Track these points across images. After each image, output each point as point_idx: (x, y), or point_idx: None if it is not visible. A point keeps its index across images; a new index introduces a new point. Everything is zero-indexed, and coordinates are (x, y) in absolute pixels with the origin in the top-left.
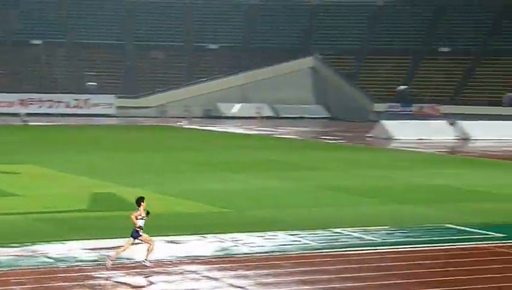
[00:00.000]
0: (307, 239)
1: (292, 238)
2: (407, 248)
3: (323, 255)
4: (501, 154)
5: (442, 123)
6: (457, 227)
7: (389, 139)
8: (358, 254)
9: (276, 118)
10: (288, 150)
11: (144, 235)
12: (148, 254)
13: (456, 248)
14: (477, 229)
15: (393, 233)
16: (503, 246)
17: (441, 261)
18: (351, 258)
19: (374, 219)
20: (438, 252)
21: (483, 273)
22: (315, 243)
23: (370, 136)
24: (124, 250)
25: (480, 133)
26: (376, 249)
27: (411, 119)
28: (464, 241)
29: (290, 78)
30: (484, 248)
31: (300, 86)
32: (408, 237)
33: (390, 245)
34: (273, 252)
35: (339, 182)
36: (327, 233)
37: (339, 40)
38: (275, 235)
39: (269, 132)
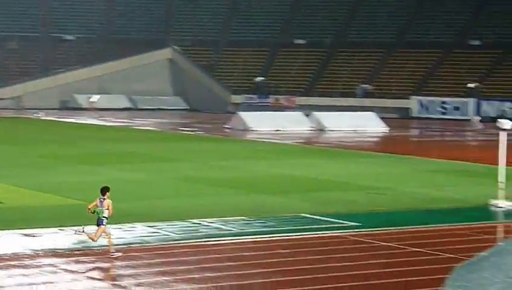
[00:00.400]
0: (165, 230)
1: (151, 229)
2: (265, 237)
3: (183, 246)
4: (355, 144)
5: (298, 114)
6: (313, 216)
7: (247, 130)
8: (217, 244)
9: (134, 110)
10: (146, 142)
11: (103, 227)
12: (110, 246)
13: (312, 237)
14: (332, 218)
15: (251, 223)
16: (358, 234)
17: (297, 250)
18: (210, 249)
19: (232, 209)
20: (295, 241)
21: (338, 262)
22: (174, 234)
23: (228, 128)
24: (96, 239)
25: (334, 124)
26: (234, 239)
27: (268, 111)
28: (319, 231)
29: (148, 70)
30: (339, 237)
31: (159, 78)
32: (265, 226)
33: (248, 235)
34: (131, 243)
35: (197, 173)
36: (186, 224)
37: (197, 31)
38: (134, 227)
39: (127, 124)
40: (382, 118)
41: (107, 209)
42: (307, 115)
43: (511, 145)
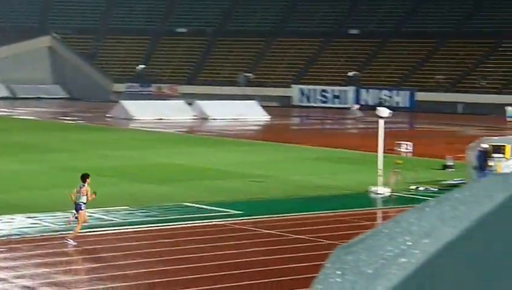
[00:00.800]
0: (46, 221)
1: (31, 221)
2: (148, 227)
3: (63, 237)
4: (237, 133)
5: (181, 103)
6: (196, 205)
7: (129, 119)
8: (99, 234)
9: (13, 99)
10: (26, 132)
11: (83, 212)
12: (75, 234)
13: (196, 225)
14: (215, 207)
15: (134, 213)
16: (241, 222)
17: (180, 239)
18: (92, 239)
19: (115, 199)
20: (178, 231)
21: (222, 250)
22: (55, 225)
23: (110, 117)
24: (82, 223)
25: (217, 112)
26: (117, 229)
27: (150, 100)
28: (202, 219)
29: (26, 58)
30: (223, 225)
31: (38, 66)
32: (148, 216)
33: (131, 225)
34: (11, 235)
35: (78, 163)
36: (67, 215)
37: (77, 19)
38: (13, 219)
39: (6, 113)
40: (264, 107)
41: (85, 195)
42: (190, 104)
43: (389, 133)
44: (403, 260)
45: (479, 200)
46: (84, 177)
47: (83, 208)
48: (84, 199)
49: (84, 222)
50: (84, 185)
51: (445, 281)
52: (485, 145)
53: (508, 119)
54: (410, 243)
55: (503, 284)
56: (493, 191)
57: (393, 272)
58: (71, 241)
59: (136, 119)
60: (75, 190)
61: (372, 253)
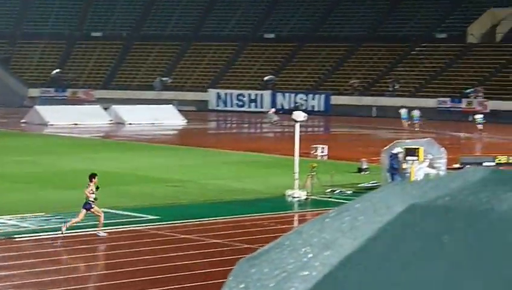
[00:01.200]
0: None
1: None
2: (65, 233)
3: None
4: (153, 137)
5: (96, 108)
6: (112, 211)
7: (44, 124)
8: (16, 241)
9: None
10: None
11: (95, 208)
12: (100, 226)
13: (112, 231)
14: (132, 212)
15: (50, 219)
16: (158, 228)
17: (97, 245)
18: (7, 246)
19: (30, 206)
20: (94, 237)
21: (139, 256)
22: None
23: (24, 122)
24: (79, 220)
25: (133, 117)
26: (33, 236)
27: (66, 105)
28: (119, 225)
29: None
30: (139, 231)
31: None
32: (65, 222)
33: (47, 231)
34: None
35: None
36: None
37: None
38: None
39: None
40: (181, 111)
41: (93, 193)
42: (106, 109)
43: (305, 137)
44: (305, 273)
45: (378, 211)
46: (91, 177)
47: (93, 206)
48: (93, 197)
49: (80, 219)
50: (90, 185)
51: None
52: (399, 149)
53: (403, 121)
54: (311, 255)
55: None
56: (392, 202)
57: (295, 286)
58: (102, 233)
59: (51, 125)
60: (89, 190)
61: (275, 266)
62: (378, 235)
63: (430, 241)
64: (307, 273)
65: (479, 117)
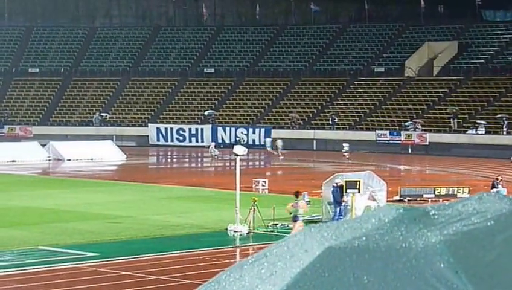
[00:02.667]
0: None
1: None
2: (1, 272)
3: None
4: (92, 173)
5: (34, 144)
6: (52, 248)
7: None
8: None
9: None
10: None
11: (299, 222)
12: None
13: (51, 269)
14: (71, 249)
15: None
16: (98, 265)
17: (36, 283)
18: None
19: None
20: (33, 275)
21: None
22: None
23: None
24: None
25: (72, 153)
26: None
27: (2, 141)
28: (58, 263)
29: None
30: (78, 268)
31: None
32: (1, 261)
33: None
34: None
35: None
36: None
37: None
38: None
39: None
40: (121, 146)
41: (302, 208)
42: (44, 145)
43: (246, 171)
44: None
45: (296, 256)
46: (297, 194)
47: (300, 219)
48: (301, 211)
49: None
50: (298, 200)
51: None
52: (340, 181)
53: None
54: None
55: None
56: (308, 246)
57: None
58: None
59: None
60: (291, 205)
61: None
62: (297, 280)
63: (350, 283)
64: None
65: (345, 145)
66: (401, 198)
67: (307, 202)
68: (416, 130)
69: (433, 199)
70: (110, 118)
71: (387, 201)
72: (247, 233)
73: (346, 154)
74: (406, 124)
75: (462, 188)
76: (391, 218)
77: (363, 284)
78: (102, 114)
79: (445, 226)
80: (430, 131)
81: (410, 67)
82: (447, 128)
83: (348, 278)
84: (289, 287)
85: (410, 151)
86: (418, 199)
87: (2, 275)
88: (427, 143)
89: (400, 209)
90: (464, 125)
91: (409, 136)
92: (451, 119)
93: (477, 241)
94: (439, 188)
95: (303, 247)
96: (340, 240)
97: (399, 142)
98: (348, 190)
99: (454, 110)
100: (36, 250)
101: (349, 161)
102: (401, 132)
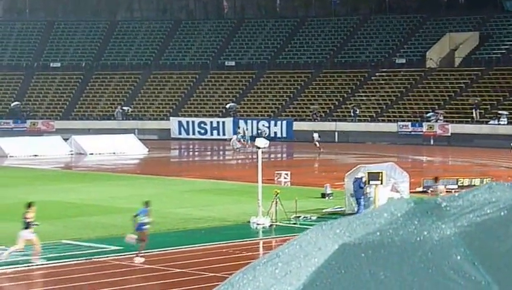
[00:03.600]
0: None
1: None
2: (25, 267)
3: None
4: (114, 167)
5: (57, 139)
6: (75, 242)
7: (3, 156)
8: None
9: None
10: None
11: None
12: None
13: (75, 263)
14: (94, 243)
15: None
16: (120, 258)
17: (59, 277)
18: None
19: None
20: (57, 269)
21: (102, 287)
22: None
23: None
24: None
25: (94, 147)
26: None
27: (25, 136)
28: (81, 256)
29: None
30: (102, 262)
31: None
32: (25, 255)
33: (7, 265)
34: None
35: None
36: None
37: None
38: None
39: None
40: (143, 140)
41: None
42: (66, 139)
43: (267, 163)
44: None
45: (310, 254)
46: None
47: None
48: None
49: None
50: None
51: None
52: (362, 173)
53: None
54: None
55: None
56: (322, 244)
57: None
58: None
59: (11, 157)
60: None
61: None
62: (314, 278)
63: (367, 279)
64: None
65: (316, 135)
66: (424, 189)
67: (328, 194)
68: (438, 121)
69: (456, 190)
70: (131, 111)
71: (410, 193)
72: (270, 226)
73: (317, 143)
74: (428, 115)
75: (484, 179)
76: (403, 212)
77: (379, 279)
78: (123, 108)
79: (459, 218)
80: (452, 122)
81: (432, 58)
82: (469, 119)
83: (364, 275)
84: (306, 286)
85: (432, 142)
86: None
87: (26, 269)
88: (449, 134)
89: (411, 203)
90: (486, 115)
91: (431, 127)
92: (473, 110)
93: (492, 232)
94: (461, 179)
95: (316, 245)
96: (353, 237)
97: (421, 133)
98: (371, 182)
99: (476, 101)
100: (60, 244)
101: (321, 150)
102: (423, 123)
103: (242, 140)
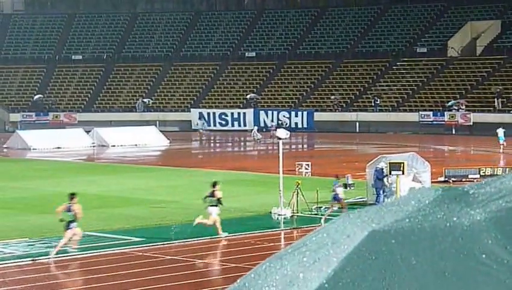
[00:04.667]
0: None
1: None
2: (43, 259)
3: None
4: (136, 159)
5: (79, 131)
6: (96, 234)
7: (26, 149)
8: (0, 267)
9: None
10: None
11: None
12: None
13: (98, 255)
14: (117, 235)
15: (34, 244)
16: (143, 250)
17: (83, 269)
18: None
19: (14, 231)
20: (80, 261)
21: (125, 278)
22: None
23: (6, 147)
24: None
25: (116, 139)
26: (17, 262)
27: (48, 128)
28: (104, 248)
29: None
30: (124, 253)
31: None
32: (49, 247)
33: (31, 257)
34: None
35: None
36: None
37: None
38: None
39: None
40: (164, 132)
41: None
42: (88, 131)
43: (288, 154)
44: None
45: (338, 242)
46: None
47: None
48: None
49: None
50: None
51: None
52: (384, 163)
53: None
54: None
55: None
56: (350, 231)
57: None
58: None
59: (33, 149)
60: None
61: (274, 275)
62: (344, 265)
63: (398, 265)
64: None
65: (200, 122)
66: (446, 179)
67: (350, 184)
68: (460, 110)
69: (479, 180)
70: (153, 103)
71: (432, 182)
72: (291, 216)
73: (202, 131)
74: (449, 104)
75: (507, 168)
76: (431, 199)
77: (411, 265)
78: (144, 100)
79: (487, 204)
80: (474, 111)
81: (453, 47)
82: (491, 108)
83: (395, 260)
84: (336, 272)
85: (454, 131)
86: (463, 180)
87: (47, 261)
88: (471, 123)
89: (438, 190)
90: (508, 104)
91: (452, 116)
92: (495, 99)
93: None
94: (484, 169)
95: (344, 233)
96: (382, 224)
97: (443, 122)
98: (392, 172)
99: (498, 90)
100: (83, 236)
101: (204, 138)
102: (445, 113)
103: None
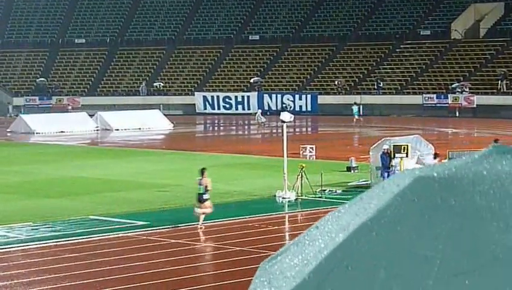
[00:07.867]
0: None
1: None
2: (53, 242)
3: None
4: (140, 143)
5: (82, 115)
6: (101, 218)
7: (30, 133)
8: (5, 252)
9: None
10: None
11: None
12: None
13: (102, 238)
14: (121, 218)
15: (38, 228)
16: (147, 233)
17: (87, 253)
18: None
19: (18, 215)
20: (84, 245)
21: (129, 262)
22: None
23: (10, 131)
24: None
25: (120, 123)
26: (22, 246)
27: (51, 112)
28: (108, 232)
29: None
30: (129, 237)
31: None
32: (53, 231)
33: (36, 241)
34: None
35: None
36: None
37: None
38: None
39: None
40: (168, 115)
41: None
42: (91, 115)
43: (293, 137)
44: (323, 253)
45: (389, 191)
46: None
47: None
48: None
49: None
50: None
51: (360, 263)
52: (387, 147)
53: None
54: (328, 240)
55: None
56: (400, 180)
57: (313, 265)
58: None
59: (37, 133)
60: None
61: (294, 258)
62: (387, 206)
63: (438, 205)
64: (325, 253)
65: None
66: None
67: (354, 167)
68: (464, 92)
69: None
70: (162, 86)
71: None
72: (295, 199)
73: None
74: (453, 85)
75: None
76: (481, 154)
77: (450, 205)
78: (154, 84)
79: None
80: (478, 93)
81: (457, 29)
82: (495, 91)
83: (436, 201)
84: (380, 212)
85: (457, 114)
86: None
87: (54, 245)
88: (475, 106)
89: (489, 146)
90: None
91: (456, 99)
92: (499, 81)
93: None
94: None
95: (395, 183)
96: (430, 172)
97: (446, 105)
98: (396, 155)
99: (502, 72)
100: (87, 220)
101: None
102: (448, 95)
103: (261, 122)
